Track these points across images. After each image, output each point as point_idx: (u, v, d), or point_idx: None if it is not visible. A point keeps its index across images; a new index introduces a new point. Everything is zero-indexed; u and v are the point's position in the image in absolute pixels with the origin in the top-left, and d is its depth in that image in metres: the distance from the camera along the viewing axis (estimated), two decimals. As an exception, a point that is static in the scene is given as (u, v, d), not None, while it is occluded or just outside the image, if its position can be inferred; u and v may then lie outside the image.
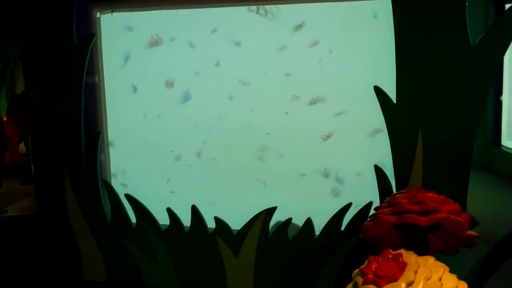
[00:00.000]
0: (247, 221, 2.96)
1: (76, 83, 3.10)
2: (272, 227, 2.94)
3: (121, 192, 3.19)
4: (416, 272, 1.68)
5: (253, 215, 2.94)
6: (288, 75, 2.99)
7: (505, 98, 6.55)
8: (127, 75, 3.24)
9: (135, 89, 3.24)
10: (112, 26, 3.18)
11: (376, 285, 1.70)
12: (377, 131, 2.83)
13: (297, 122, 3.01)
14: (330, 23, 2.88)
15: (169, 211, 3.08)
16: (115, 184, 3.27)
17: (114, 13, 3.15)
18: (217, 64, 3.09)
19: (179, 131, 3.22)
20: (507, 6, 5.97)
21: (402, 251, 1.81)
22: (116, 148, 3.34)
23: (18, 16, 3.18)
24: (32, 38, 3.16)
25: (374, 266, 1.77)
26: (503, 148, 6.59)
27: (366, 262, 1.82)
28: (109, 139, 3.29)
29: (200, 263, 3.12)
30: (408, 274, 1.68)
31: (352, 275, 1.87)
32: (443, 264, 1.76)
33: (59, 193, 3.26)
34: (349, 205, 2.81)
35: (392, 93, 2.64)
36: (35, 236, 3.62)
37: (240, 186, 3.16)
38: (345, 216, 2.82)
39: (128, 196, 3.15)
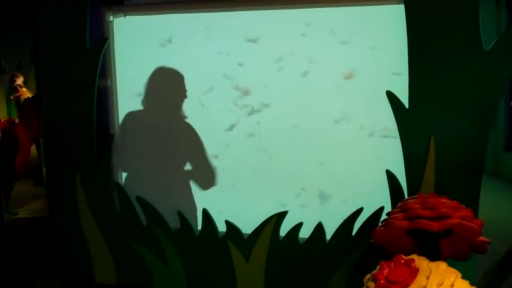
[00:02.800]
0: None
1: (88, 86, 3.11)
2: None
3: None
4: (428, 277, 1.67)
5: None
6: (303, 75, 2.99)
7: (516, 103, 6.53)
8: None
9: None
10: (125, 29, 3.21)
11: (388, 291, 1.70)
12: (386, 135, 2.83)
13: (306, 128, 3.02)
14: (342, 27, 2.89)
15: (180, 214, 3.09)
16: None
17: (127, 17, 3.17)
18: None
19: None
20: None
21: (414, 256, 1.81)
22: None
23: (31, 19, 3.20)
24: (45, 41, 3.18)
25: (386, 271, 1.77)
26: (514, 154, 6.57)
27: (378, 267, 1.81)
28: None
29: (210, 267, 3.12)
30: (420, 280, 1.68)
31: (364, 280, 1.87)
32: (455, 270, 1.75)
33: (70, 195, 3.27)
34: (360, 210, 2.80)
35: (404, 98, 2.64)
36: (46, 238, 3.64)
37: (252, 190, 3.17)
38: (357, 221, 2.82)
39: (139, 199, 3.17)
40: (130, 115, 3.26)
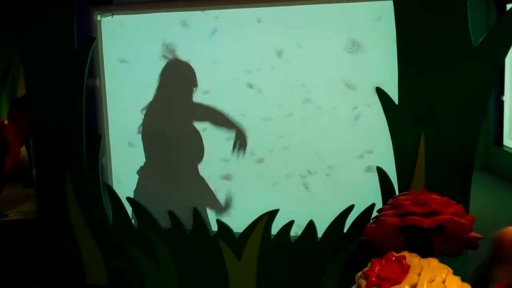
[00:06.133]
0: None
1: (77, 87, 3.09)
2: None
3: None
4: (419, 274, 1.67)
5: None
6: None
7: (506, 98, 6.55)
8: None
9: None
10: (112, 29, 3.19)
11: (379, 288, 1.69)
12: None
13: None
14: (332, 24, 2.88)
15: (171, 214, 3.08)
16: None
17: (114, 16, 3.15)
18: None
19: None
20: (509, 6, 5.98)
21: (406, 253, 1.80)
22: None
23: (19, 20, 3.17)
24: (33, 42, 3.16)
25: (377, 268, 1.76)
26: (505, 148, 6.58)
27: (369, 264, 1.81)
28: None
29: (202, 266, 3.11)
30: (411, 277, 1.67)
31: (355, 277, 1.86)
32: (446, 266, 1.75)
33: (60, 197, 3.25)
34: (351, 207, 2.80)
35: (394, 95, 2.63)
36: (36, 240, 3.62)
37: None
38: (348, 218, 2.82)
39: (130, 199, 3.15)
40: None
